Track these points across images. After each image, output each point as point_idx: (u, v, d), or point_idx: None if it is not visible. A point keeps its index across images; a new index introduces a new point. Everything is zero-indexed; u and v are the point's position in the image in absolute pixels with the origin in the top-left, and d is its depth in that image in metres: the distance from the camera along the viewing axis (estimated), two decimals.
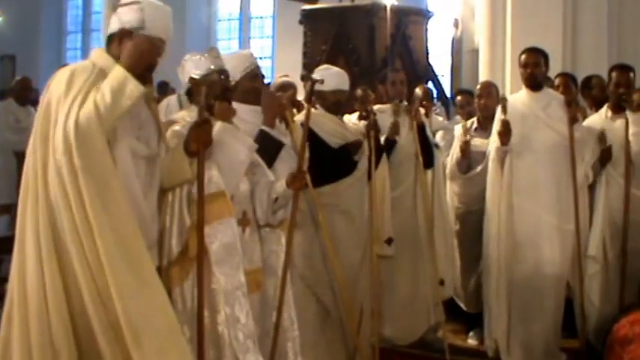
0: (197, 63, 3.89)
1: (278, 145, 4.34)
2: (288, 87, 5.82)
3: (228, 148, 3.73)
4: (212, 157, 3.63)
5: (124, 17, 3.33)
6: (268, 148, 4.24)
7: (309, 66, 10.39)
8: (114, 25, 3.35)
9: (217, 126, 3.67)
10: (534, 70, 5.67)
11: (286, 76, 6.05)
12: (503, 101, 5.60)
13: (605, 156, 5.77)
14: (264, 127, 4.27)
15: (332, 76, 5.22)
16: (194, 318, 3.51)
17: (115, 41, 3.35)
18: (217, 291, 3.59)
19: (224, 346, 3.56)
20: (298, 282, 4.19)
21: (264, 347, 3.97)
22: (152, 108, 3.55)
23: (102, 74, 3.22)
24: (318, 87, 4.86)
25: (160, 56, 3.39)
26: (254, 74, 4.41)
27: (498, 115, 5.62)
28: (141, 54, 3.29)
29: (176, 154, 3.48)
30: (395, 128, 5.89)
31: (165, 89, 8.64)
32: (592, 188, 5.88)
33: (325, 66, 5.55)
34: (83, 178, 3.03)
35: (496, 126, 5.64)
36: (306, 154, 4.42)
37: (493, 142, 5.72)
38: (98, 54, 3.38)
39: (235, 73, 4.23)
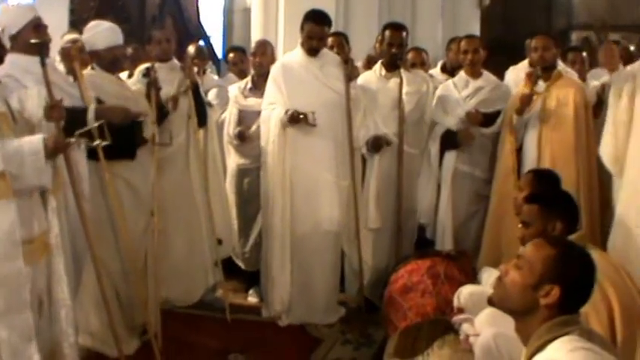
0: None
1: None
2: (75, 40, 5.58)
3: None
4: None
5: None
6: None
7: (77, 24, 9.88)
8: None
9: None
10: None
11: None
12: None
13: (376, 144, 5.87)
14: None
15: (104, 33, 5.08)
16: None
17: None
18: None
19: None
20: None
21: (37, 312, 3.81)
22: None
23: None
24: (91, 47, 5.03)
25: None
26: (36, 25, 4.31)
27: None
28: None
29: None
30: (175, 102, 5.67)
31: None
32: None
33: (95, 22, 5.26)
34: None
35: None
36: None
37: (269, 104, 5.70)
38: None
39: (14, 26, 4.23)
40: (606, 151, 5.10)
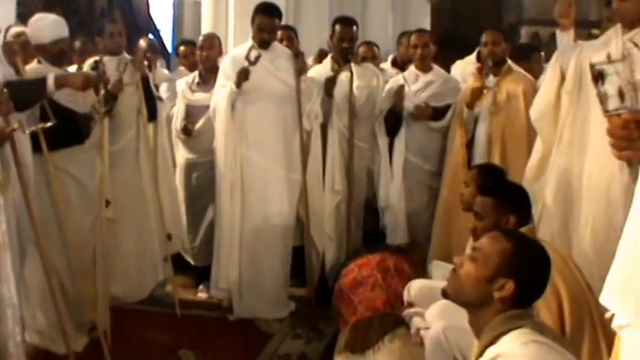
0: None
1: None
2: (19, 34, 5.41)
3: None
4: None
5: None
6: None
7: (24, 16, 9.70)
8: None
9: None
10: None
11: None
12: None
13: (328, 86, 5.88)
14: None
15: (48, 26, 4.99)
16: None
17: None
18: None
19: None
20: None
21: None
22: None
23: None
24: (36, 41, 4.90)
25: None
26: None
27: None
28: None
29: None
30: (119, 84, 5.58)
31: None
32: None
33: (40, 15, 5.17)
34: None
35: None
36: None
37: (222, 87, 5.64)
38: None
39: None
40: (537, 108, 4.95)
